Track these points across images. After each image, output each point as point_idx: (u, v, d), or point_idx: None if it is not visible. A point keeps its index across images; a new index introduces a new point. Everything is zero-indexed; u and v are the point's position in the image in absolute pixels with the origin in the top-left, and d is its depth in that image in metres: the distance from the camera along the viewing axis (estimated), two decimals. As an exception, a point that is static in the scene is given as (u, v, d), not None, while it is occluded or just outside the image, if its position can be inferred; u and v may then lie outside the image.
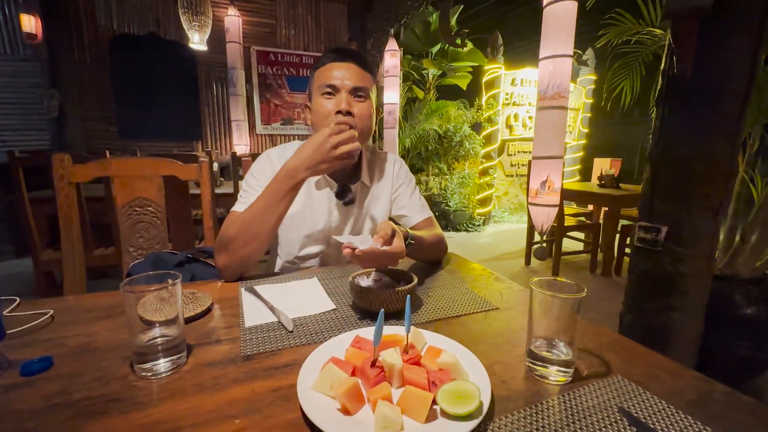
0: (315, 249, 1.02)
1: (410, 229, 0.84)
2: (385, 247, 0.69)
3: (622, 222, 3.14)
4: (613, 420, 0.42)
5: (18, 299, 0.70)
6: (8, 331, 0.58)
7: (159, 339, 0.50)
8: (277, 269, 1.06)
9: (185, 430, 0.40)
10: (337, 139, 0.81)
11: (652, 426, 0.41)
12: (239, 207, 0.90)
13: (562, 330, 0.50)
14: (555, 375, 0.49)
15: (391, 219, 1.08)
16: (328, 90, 0.91)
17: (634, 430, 0.41)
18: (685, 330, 1.45)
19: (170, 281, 0.51)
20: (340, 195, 0.99)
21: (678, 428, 0.41)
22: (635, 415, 0.43)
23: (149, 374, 0.49)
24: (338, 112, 0.89)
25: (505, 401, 0.45)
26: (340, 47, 0.96)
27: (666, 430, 0.41)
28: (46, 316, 0.65)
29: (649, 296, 1.50)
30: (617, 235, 3.13)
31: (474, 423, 0.39)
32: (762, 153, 1.81)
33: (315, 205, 1.00)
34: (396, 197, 1.09)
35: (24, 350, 0.55)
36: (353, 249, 0.67)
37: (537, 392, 0.47)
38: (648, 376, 0.50)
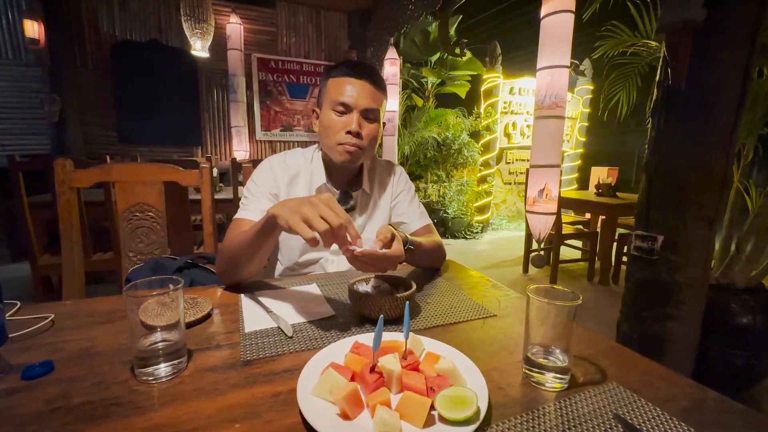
0: (315, 255, 1.03)
1: (409, 235, 0.85)
2: (384, 250, 0.69)
3: (620, 230, 3.15)
4: (609, 426, 0.43)
5: (18, 303, 0.70)
6: (9, 335, 0.58)
7: (160, 344, 0.51)
8: (277, 275, 1.07)
9: (186, 434, 0.40)
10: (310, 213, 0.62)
11: (647, 432, 0.42)
12: (241, 214, 0.92)
13: (558, 337, 0.51)
14: (551, 381, 0.50)
15: (390, 225, 1.09)
16: (341, 108, 0.92)
17: (629, 436, 0.41)
18: (682, 338, 1.46)
19: (172, 286, 0.52)
20: (341, 202, 1.00)
21: (672, 434, 0.42)
22: (630, 421, 0.43)
23: (150, 378, 0.50)
24: (348, 132, 0.91)
25: (502, 407, 0.46)
26: (357, 62, 0.97)
27: (660, 436, 0.41)
28: (47, 320, 0.65)
29: (645, 305, 1.51)
30: (614, 244, 3.14)
31: (471, 428, 0.40)
32: (756, 163, 1.84)
33: None
34: (395, 204, 1.10)
35: (25, 354, 0.55)
36: (353, 250, 0.67)
37: (533, 398, 0.48)
38: (642, 383, 0.51)
